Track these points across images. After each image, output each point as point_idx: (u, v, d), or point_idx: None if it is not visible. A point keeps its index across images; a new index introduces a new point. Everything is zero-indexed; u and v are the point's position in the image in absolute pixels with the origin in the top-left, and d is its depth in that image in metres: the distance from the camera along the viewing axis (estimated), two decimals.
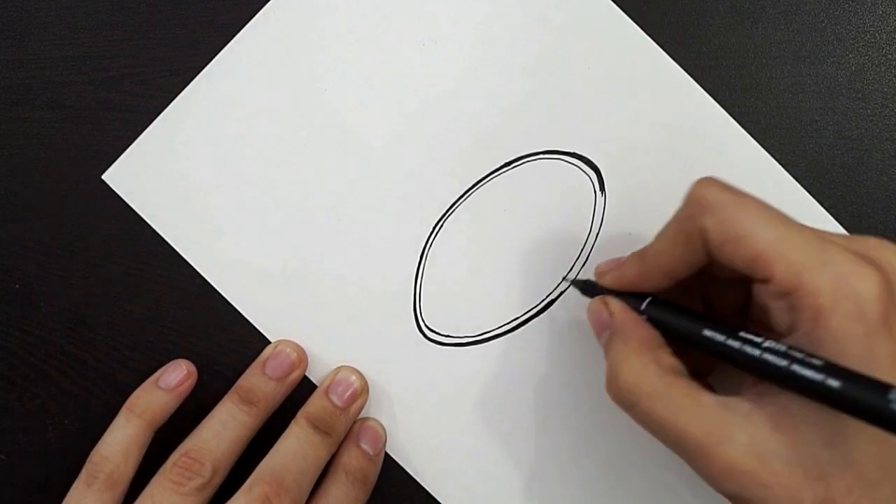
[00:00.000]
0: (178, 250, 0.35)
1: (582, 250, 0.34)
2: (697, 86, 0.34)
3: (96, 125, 0.36)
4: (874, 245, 0.26)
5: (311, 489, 0.32)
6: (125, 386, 0.35)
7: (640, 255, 0.28)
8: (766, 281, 0.24)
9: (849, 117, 0.34)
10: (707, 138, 0.34)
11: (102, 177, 0.35)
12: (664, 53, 0.34)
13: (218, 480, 0.31)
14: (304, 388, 0.34)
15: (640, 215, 0.34)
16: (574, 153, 0.35)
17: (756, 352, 0.23)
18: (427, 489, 0.35)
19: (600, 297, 0.29)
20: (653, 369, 0.26)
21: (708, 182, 0.26)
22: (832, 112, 0.34)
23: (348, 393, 0.34)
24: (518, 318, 0.35)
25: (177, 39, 0.36)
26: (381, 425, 0.35)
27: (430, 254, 0.35)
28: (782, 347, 0.23)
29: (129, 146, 0.35)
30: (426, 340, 0.35)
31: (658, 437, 0.26)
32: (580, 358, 0.34)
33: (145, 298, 0.35)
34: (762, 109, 0.34)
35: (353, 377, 0.34)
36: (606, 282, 0.29)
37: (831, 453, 0.23)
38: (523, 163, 0.35)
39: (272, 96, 0.35)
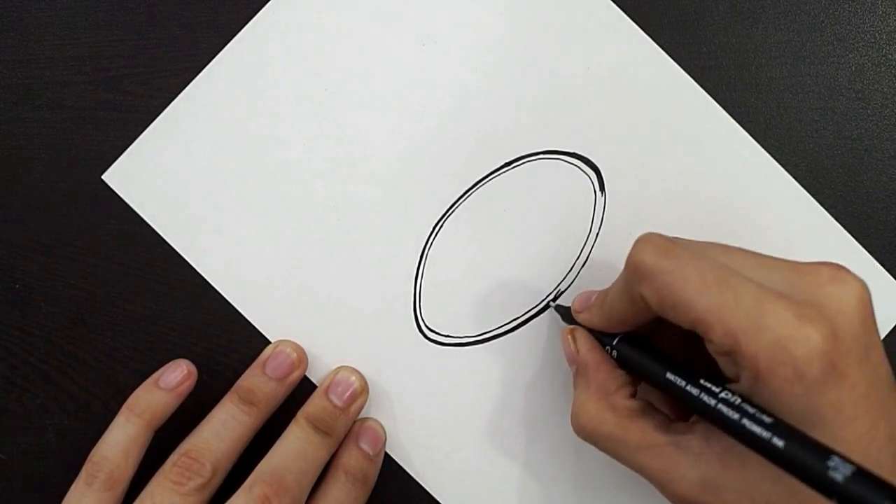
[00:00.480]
0: (178, 250, 0.35)
1: (582, 250, 0.34)
2: (697, 86, 0.34)
3: (96, 125, 0.36)
4: (826, 280, 0.25)
5: (310, 489, 0.32)
6: (125, 386, 0.35)
7: (601, 300, 0.30)
8: (709, 341, 0.25)
9: (849, 117, 0.34)
10: (707, 138, 0.34)
11: (102, 177, 0.35)
12: (664, 53, 0.34)
13: (218, 480, 0.31)
14: (304, 388, 0.34)
15: (640, 215, 0.34)
16: (574, 153, 0.35)
17: (712, 401, 0.25)
18: (427, 489, 0.35)
19: (569, 329, 0.31)
20: (608, 415, 0.28)
21: (645, 247, 0.26)
22: (832, 112, 0.34)
23: (348, 393, 0.34)
24: (518, 318, 0.35)
25: (177, 39, 0.36)
26: (381, 425, 0.35)
27: (430, 254, 0.35)
28: (736, 400, 0.24)
29: (129, 146, 0.35)
30: (426, 340, 0.35)
31: (622, 464, 0.28)
32: None
33: (145, 298, 0.35)
34: (762, 109, 0.34)
35: (353, 377, 0.34)
36: (580, 321, 0.31)
37: (776, 487, 0.25)
38: (523, 163, 0.35)
39: (272, 96, 0.35)
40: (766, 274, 0.26)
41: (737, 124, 0.34)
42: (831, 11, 0.34)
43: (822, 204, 0.34)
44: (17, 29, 0.36)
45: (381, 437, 0.34)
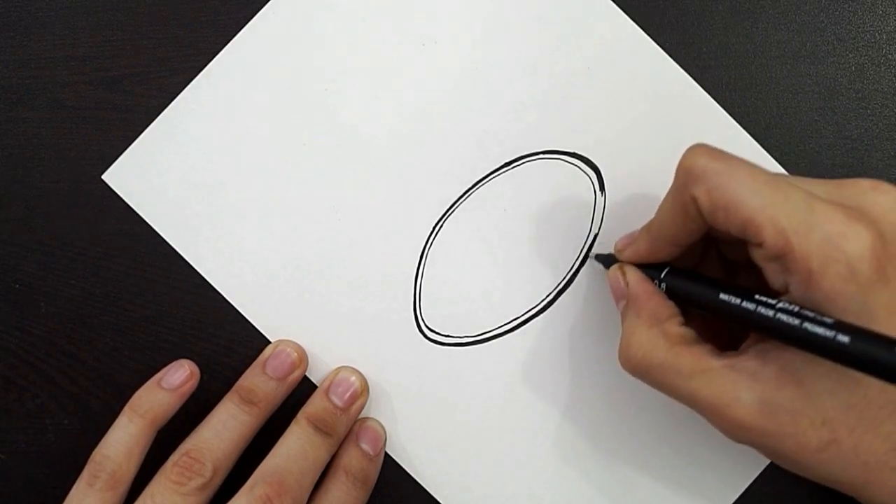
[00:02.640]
0: (178, 250, 0.35)
1: (582, 250, 0.34)
2: (697, 86, 0.34)
3: (96, 125, 0.36)
4: (867, 188, 0.26)
5: (311, 489, 0.32)
6: (125, 386, 0.35)
7: (647, 228, 0.30)
8: (758, 245, 0.25)
9: (849, 117, 0.34)
10: (707, 138, 0.34)
11: (102, 177, 0.35)
12: (664, 53, 0.34)
13: (218, 480, 0.31)
14: (305, 388, 0.34)
15: (640, 215, 0.34)
16: (574, 153, 0.35)
17: (770, 312, 0.24)
18: (427, 489, 0.35)
19: (618, 265, 0.31)
20: (661, 342, 0.27)
21: (697, 150, 0.26)
22: (832, 112, 0.34)
23: (349, 393, 0.34)
24: (518, 318, 0.35)
25: (177, 39, 0.36)
26: (381, 425, 0.35)
27: (430, 254, 0.35)
28: (795, 308, 0.24)
29: (129, 146, 0.35)
30: (426, 340, 0.35)
31: (672, 397, 0.28)
32: (580, 357, 0.34)
33: (145, 298, 0.35)
34: (762, 109, 0.34)
35: (354, 377, 0.34)
36: (624, 258, 0.31)
37: (834, 401, 0.25)
38: (523, 163, 0.35)
39: (272, 96, 0.35)
40: (810, 186, 0.26)
41: (737, 124, 0.34)
42: (831, 11, 0.34)
43: None
44: (17, 29, 0.36)
45: (381, 437, 0.34)
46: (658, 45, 0.34)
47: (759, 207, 0.25)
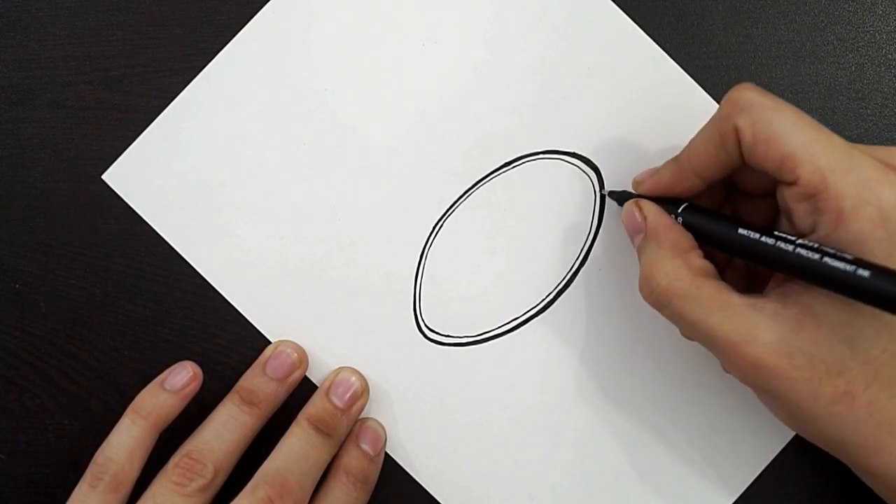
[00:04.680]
0: (178, 250, 0.35)
1: (582, 250, 0.34)
2: (697, 86, 0.34)
3: (96, 125, 0.36)
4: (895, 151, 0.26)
5: (313, 490, 0.32)
6: (125, 386, 0.35)
7: (676, 159, 0.30)
8: (792, 183, 0.25)
9: (848, 117, 0.34)
10: None
11: (102, 177, 0.35)
12: (664, 53, 0.34)
13: (219, 481, 0.31)
14: (305, 389, 0.34)
15: None
16: (574, 153, 0.35)
17: (790, 247, 0.24)
18: (427, 489, 0.35)
19: (634, 200, 0.30)
20: (684, 272, 0.27)
21: (746, 86, 0.27)
22: (832, 112, 0.34)
23: (349, 394, 0.34)
24: (518, 318, 0.35)
25: (177, 39, 0.36)
26: (381, 425, 0.35)
27: (430, 254, 0.35)
28: (814, 244, 0.24)
29: (129, 146, 0.35)
30: (426, 340, 0.35)
31: (688, 333, 0.28)
32: (580, 358, 0.34)
33: (145, 298, 0.35)
34: None
35: (354, 378, 0.34)
36: (643, 189, 0.31)
37: (852, 350, 0.24)
38: (523, 163, 0.35)
39: (272, 96, 0.35)
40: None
41: None
42: (831, 11, 0.34)
43: None
44: (17, 29, 0.36)
45: (381, 438, 0.34)
46: (658, 45, 0.34)
47: (801, 144, 0.25)
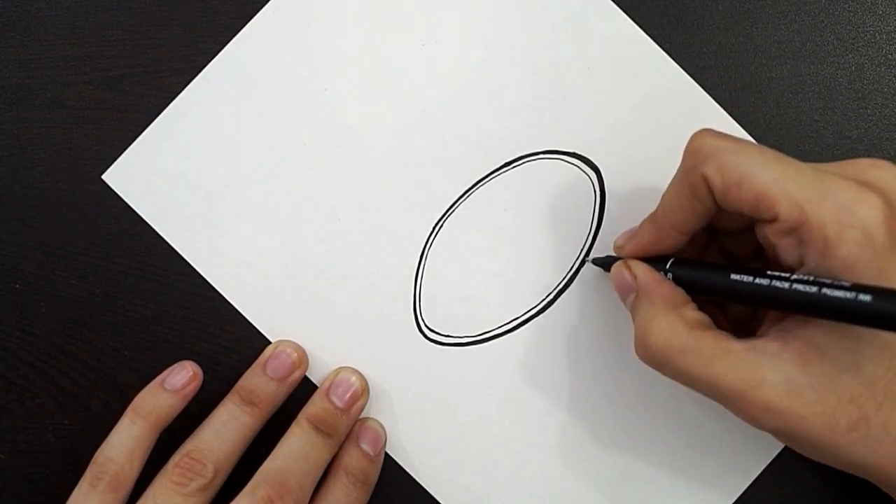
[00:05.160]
0: (178, 250, 0.35)
1: (582, 250, 0.34)
2: (697, 86, 0.34)
3: (96, 125, 0.36)
4: (867, 166, 0.26)
5: (313, 490, 0.32)
6: (125, 386, 0.35)
7: (652, 217, 0.30)
8: (772, 220, 0.25)
9: (849, 117, 0.34)
10: None
11: (102, 177, 0.35)
12: (664, 53, 0.34)
13: (219, 481, 0.31)
14: (305, 389, 0.34)
15: (640, 215, 0.34)
16: (574, 153, 0.35)
17: (785, 285, 0.24)
18: (427, 489, 0.35)
19: (622, 261, 0.30)
20: (680, 326, 0.27)
21: (704, 132, 0.27)
22: (832, 112, 0.34)
23: (349, 394, 0.33)
24: (518, 318, 0.35)
25: (177, 39, 0.36)
26: (381, 425, 0.35)
27: (430, 254, 0.35)
28: (810, 277, 0.24)
29: (129, 146, 0.35)
30: (426, 340, 0.35)
31: (693, 387, 0.27)
32: (580, 357, 0.34)
33: (145, 298, 0.35)
34: (762, 109, 0.34)
35: (354, 378, 0.34)
36: (626, 253, 0.31)
37: (859, 375, 0.24)
38: (523, 163, 0.35)
39: (272, 96, 0.35)
40: (816, 165, 0.26)
41: (737, 124, 0.34)
42: (831, 11, 0.34)
43: None
44: (17, 29, 0.36)
45: (381, 438, 0.34)
46: (658, 45, 0.34)
47: (772, 180, 0.25)
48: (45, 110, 0.36)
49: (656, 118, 0.34)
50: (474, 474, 0.35)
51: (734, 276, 0.26)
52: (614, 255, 0.32)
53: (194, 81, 0.35)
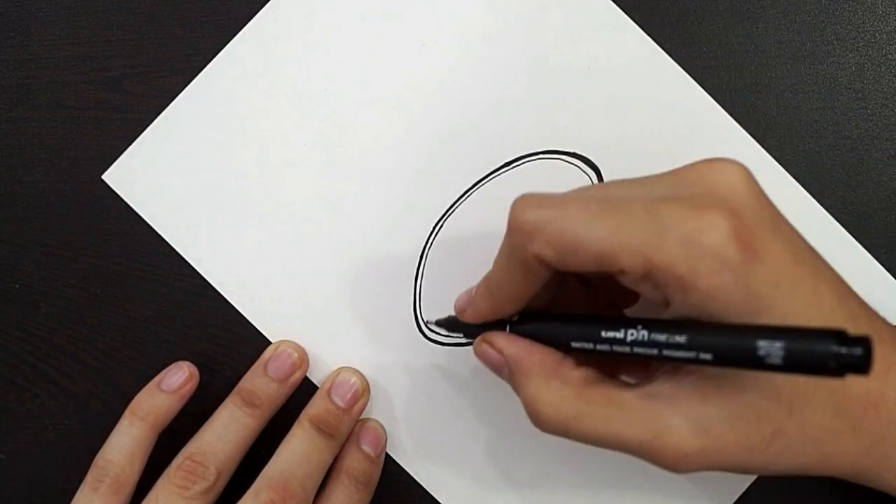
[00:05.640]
0: (178, 250, 0.35)
1: None
2: (697, 86, 0.34)
3: (96, 125, 0.36)
4: (705, 170, 0.24)
5: (315, 492, 0.32)
6: (125, 386, 0.35)
7: (486, 287, 0.27)
8: (620, 273, 0.23)
9: (849, 117, 0.34)
10: (707, 138, 0.34)
11: (102, 177, 0.35)
12: (664, 53, 0.34)
13: (222, 483, 0.31)
14: (305, 389, 0.34)
15: None
16: (574, 153, 0.35)
17: (626, 349, 0.23)
18: (427, 489, 0.35)
19: (482, 337, 0.28)
20: (565, 392, 0.25)
21: (522, 203, 0.25)
22: (832, 112, 0.34)
23: (350, 394, 0.33)
24: None
25: (177, 39, 0.36)
26: (381, 426, 0.35)
27: (430, 254, 0.35)
28: (644, 336, 0.23)
29: (129, 146, 0.35)
30: (426, 340, 0.35)
31: (601, 447, 0.25)
32: None
33: (145, 298, 0.35)
34: (762, 109, 0.34)
35: (355, 378, 0.34)
36: (467, 319, 0.29)
37: (760, 393, 0.23)
38: (523, 163, 0.35)
39: (272, 96, 0.35)
40: (649, 189, 0.25)
41: (737, 124, 0.34)
42: (831, 11, 0.34)
43: (822, 204, 0.34)
44: (17, 29, 0.36)
45: (381, 438, 0.34)
46: (658, 45, 0.34)
47: (604, 237, 0.23)
48: (45, 110, 0.36)
49: (656, 118, 0.34)
50: (474, 475, 0.35)
51: (575, 345, 0.25)
52: (454, 316, 0.30)
53: (194, 81, 0.35)
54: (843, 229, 0.34)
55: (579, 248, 0.23)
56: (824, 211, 0.34)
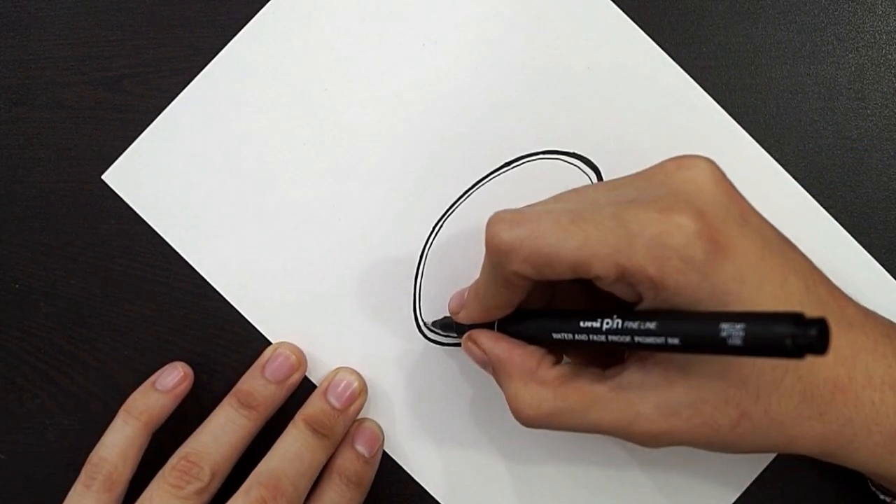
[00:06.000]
0: (177, 250, 0.35)
1: None
2: (697, 86, 0.34)
3: (96, 125, 0.36)
4: (673, 170, 0.26)
5: (308, 491, 0.32)
6: (125, 386, 0.35)
7: (475, 295, 0.29)
8: (596, 278, 0.25)
9: (848, 117, 0.34)
10: (707, 138, 0.34)
11: (102, 177, 0.35)
12: (664, 53, 0.34)
13: (217, 484, 0.31)
14: (304, 388, 0.34)
15: None
16: (574, 153, 0.35)
17: (602, 338, 0.25)
18: (426, 489, 0.35)
19: (466, 336, 0.30)
20: (543, 393, 0.27)
21: (495, 225, 0.26)
22: (832, 112, 0.34)
23: (347, 394, 0.33)
24: None
25: (177, 39, 0.36)
26: (379, 426, 0.34)
27: (430, 254, 0.35)
28: (617, 324, 0.24)
29: (129, 146, 0.35)
30: (426, 340, 0.35)
31: (581, 432, 0.27)
32: None
33: (145, 298, 0.35)
34: (762, 109, 0.34)
35: (352, 378, 0.34)
36: (460, 320, 0.31)
37: (727, 378, 0.25)
38: (523, 163, 0.35)
39: (272, 96, 0.35)
40: (619, 193, 0.26)
41: (737, 124, 0.34)
42: (831, 11, 0.34)
43: (822, 204, 0.34)
44: (17, 29, 0.36)
45: (377, 439, 0.34)
46: (658, 45, 0.34)
47: (576, 249, 0.24)
48: (45, 110, 0.36)
49: (656, 118, 0.34)
50: (474, 474, 0.35)
51: (556, 337, 0.27)
52: (448, 316, 0.33)
53: (194, 81, 0.35)
54: (843, 229, 0.34)
55: (554, 261, 0.25)
56: (824, 211, 0.34)
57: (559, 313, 0.28)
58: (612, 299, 0.26)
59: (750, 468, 0.34)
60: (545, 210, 0.26)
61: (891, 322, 0.28)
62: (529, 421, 0.28)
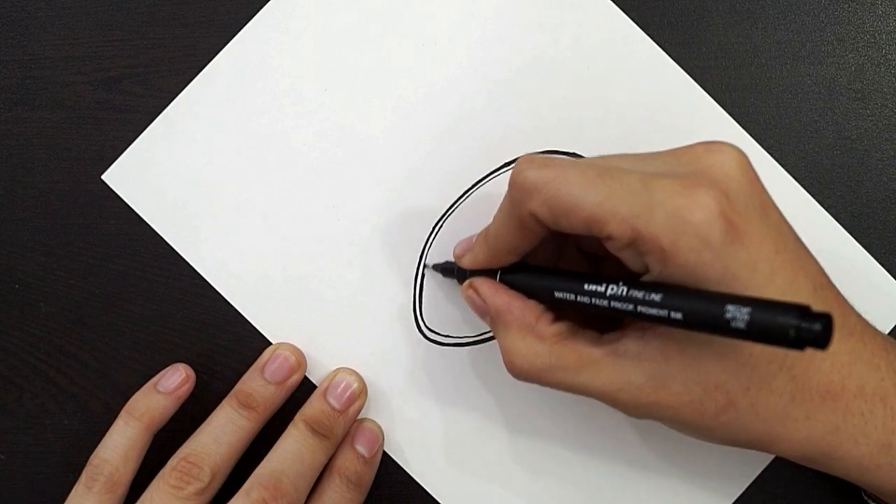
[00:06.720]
0: (177, 250, 0.35)
1: None
2: (697, 86, 0.34)
3: (96, 125, 0.36)
4: (702, 152, 0.25)
5: (308, 492, 0.32)
6: (125, 386, 0.35)
7: (485, 237, 0.29)
8: (608, 238, 0.25)
9: (849, 117, 0.34)
10: (707, 138, 0.34)
11: (102, 177, 0.35)
12: (664, 53, 0.34)
13: (217, 485, 0.31)
14: (304, 388, 0.34)
15: None
16: (574, 153, 0.35)
17: (605, 303, 0.25)
18: (426, 489, 0.35)
19: (467, 283, 0.30)
20: (539, 347, 0.27)
21: (523, 164, 0.26)
22: (832, 112, 0.34)
23: (347, 395, 0.33)
24: None
25: (177, 39, 0.36)
26: (379, 426, 0.34)
27: (430, 254, 0.35)
28: (622, 291, 0.24)
29: (129, 146, 0.35)
30: (426, 340, 0.35)
31: (568, 392, 0.27)
32: None
33: (145, 298, 0.35)
34: (762, 109, 0.34)
35: (352, 378, 0.34)
36: (464, 264, 0.31)
37: (722, 363, 0.25)
38: None
39: (272, 96, 0.35)
40: (647, 164, 0.26)
41: (737, 124, 0.34)
42: (831, 11, 0.34)
43: (822, 204, 0.34)
44: (17, 29, 0.36)
45: (377, 439, 0.34)
46: (658, 45, 0.34)
47: (597, 203, 0.24)
48: (45, 110, 0.36)
49: (656, 118, 0.34)
50: (474, 474, 0.35)
51: (558, 295, 0.27)
52: (451, 261, 0.32)
53: (194, 81, 0.35)
54: (843, 229, 0.34)
55: (572, 210, 0.25)
56: (824, 211, 0.34)
57: (564, 272, 0.27)
58: (615, 272, 0.26)
59: (748, 470, 0.34)
60: (573, 161, 0.26)
61: (889, 338, 0.27)
62: (521, 373, 0.28)
